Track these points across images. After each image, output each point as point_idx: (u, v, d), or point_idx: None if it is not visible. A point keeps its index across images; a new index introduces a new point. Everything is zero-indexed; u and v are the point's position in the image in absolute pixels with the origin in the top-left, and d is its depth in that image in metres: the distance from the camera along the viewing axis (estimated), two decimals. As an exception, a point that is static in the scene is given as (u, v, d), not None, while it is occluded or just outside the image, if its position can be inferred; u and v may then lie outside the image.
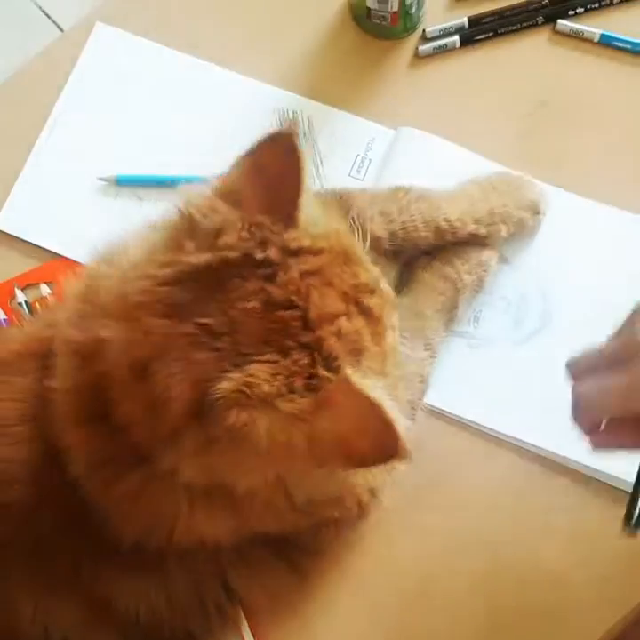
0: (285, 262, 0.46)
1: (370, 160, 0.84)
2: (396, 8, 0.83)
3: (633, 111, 0.85)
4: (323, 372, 0.45)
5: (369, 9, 0.85)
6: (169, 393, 0.45)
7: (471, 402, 0.76)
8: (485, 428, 0.75)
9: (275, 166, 0.48)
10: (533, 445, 0.75)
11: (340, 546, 0.70)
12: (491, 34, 0.87)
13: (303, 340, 0.46)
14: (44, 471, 0.56)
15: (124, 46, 0.89)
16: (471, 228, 0.74)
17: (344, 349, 0.47)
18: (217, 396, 0.44)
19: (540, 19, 0.87)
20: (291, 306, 0.46)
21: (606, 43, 0.86)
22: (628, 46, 0.85)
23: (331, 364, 0.46)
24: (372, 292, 0.50)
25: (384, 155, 0.84)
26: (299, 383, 0.45)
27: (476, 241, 0.75)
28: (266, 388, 0.44)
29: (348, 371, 0.46)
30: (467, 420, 0.75)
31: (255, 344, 0.45)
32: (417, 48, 0.87)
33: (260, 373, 0.44)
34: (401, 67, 0.88)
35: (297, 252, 0.47)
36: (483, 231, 0.75)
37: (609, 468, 0.73)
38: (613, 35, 0.86)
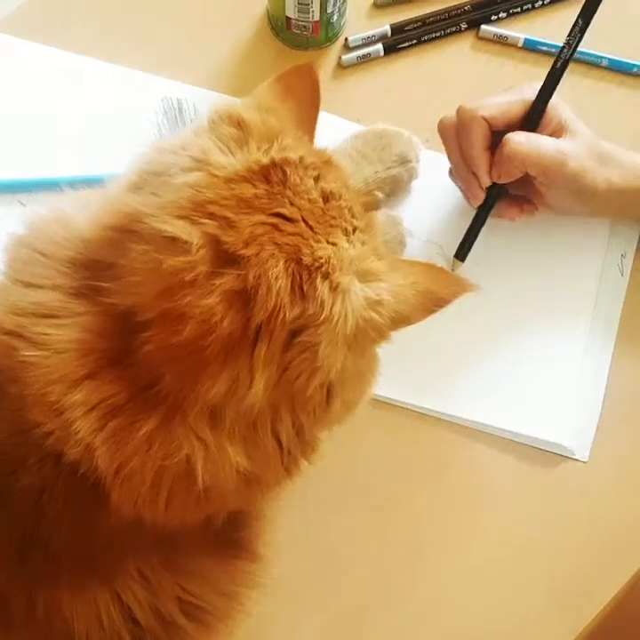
0: (324, 168, 0.54)
1: None
2: (317, 17, 0.81)
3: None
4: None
5: (289, 19, 0.82)
6: (267, 277, 0.48)
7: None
8: (392, 399, 0.73)
9: (301, 89, 0.58)
10: (443, 413, 0.73)
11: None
12: (414, 42, 0.85)
13: (357, 224, 0.53)
14: None
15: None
16: None
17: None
18: (321, 262, 0.49)
19: (463, 25, 0.86)
20: (340, 198, 0.53)
21: (530, 47, 0.85)
22: (553, 50, 0.84)
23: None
24: None
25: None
26: (371, 252, 0.53)
27: None
28: (352, 252, 0.51)
29: None
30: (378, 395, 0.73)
31: (324, 227, 0.51)
32: (340, 58, 0.85)
33: (343, 244, 0.51)
34: (324, 77, 0.85)
35: (328, 162, 0.55)
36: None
37: (520, 429, 0.73)
38: (537, 39, 0.85)
